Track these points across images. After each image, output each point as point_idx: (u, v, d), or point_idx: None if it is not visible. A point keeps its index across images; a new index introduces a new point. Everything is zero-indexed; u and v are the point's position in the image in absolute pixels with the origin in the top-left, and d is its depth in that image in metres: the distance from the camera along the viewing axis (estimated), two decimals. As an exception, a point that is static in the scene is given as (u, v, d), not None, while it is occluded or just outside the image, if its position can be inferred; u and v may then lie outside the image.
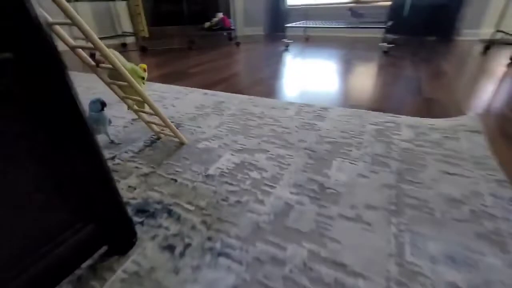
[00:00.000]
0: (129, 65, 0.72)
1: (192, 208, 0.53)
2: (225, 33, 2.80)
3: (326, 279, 0.39)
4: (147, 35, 2.51)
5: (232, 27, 2.57)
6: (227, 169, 0.65)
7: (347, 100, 1.09)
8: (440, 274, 0.39)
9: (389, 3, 2.58)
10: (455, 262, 0.41)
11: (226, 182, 0.60)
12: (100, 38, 0.55)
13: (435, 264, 0.41)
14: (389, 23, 2.12)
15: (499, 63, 1.65)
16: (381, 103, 1.05)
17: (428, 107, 0.99)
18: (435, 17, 2.45)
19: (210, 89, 1.28)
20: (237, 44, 2.51)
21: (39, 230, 0.34)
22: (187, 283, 0.39)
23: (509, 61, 1.62)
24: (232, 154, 0.71)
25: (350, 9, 2.60)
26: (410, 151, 0.70)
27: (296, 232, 0.47)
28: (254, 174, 0.63)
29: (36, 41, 0.28)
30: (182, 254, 0.44)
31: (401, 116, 0.91)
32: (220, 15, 2.62)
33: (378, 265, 0.41)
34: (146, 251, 0.44)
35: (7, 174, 0.29)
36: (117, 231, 0.43)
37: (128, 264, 0.43)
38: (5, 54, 0.26)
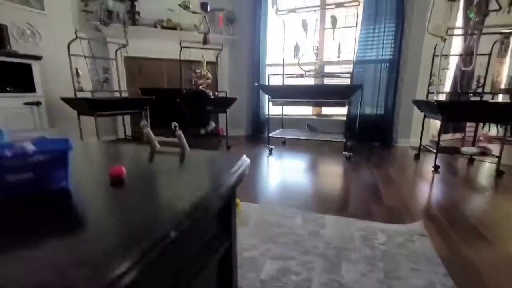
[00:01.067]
0: None
1: (262, 308, 0.79)
2: (216, 138, 3.33)
3: None
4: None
5: (224, 134, 3.11)
6: (273, 275, 0.93)
7: (332, 207, 1.49)
8: None
9: (344, 118, 3.43)
10: (429, 331, 0.72)
11: (277, 286, 0.88)
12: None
13: (419, 333, 0.71)
14: (347, 135, 2.83)
15: (426, 169, 2.30)
16: (357, 210, 1.46)
17: (389, 214, 1.43)
18: (378, 129, 3.30)
19: (226, 198, 1.60)
20: (228, 147, 3.00)
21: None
22: None
23: (432, 168, 2.27)
24: (271, 262, 1.00)
25: (307, 125, 3.34)
26: (388, 252, 1.06)
27: (337, 320, 0.75)
28: (294, 278, 0.91)
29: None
30: None
31: (374, 222, 1.31)
32: (213, 123, 3.18)
33: (389, 337, 0.70)
34: None
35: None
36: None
37: None
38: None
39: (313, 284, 0.88)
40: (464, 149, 2.20)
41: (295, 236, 1.18)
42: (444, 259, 1.03)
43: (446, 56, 2.56)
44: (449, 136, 3.60)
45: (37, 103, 2.21)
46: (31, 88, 2.19)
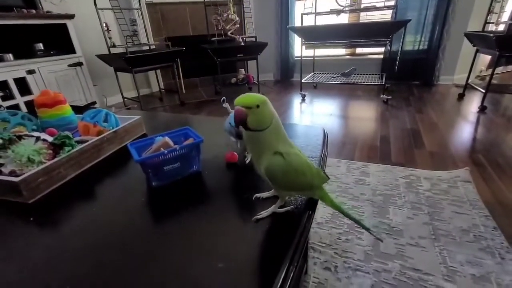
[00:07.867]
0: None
1: (324, 244, 0.95)
2: (246, 85, 3.31)
3: (413, 277, 0.82)
4: (183, 92, 2.96)
5: (255, 82, 3.08)
6: (327, 217, 1.08)
7: (374, 156, 1.56)
8: (466, 270, 0.83)
9: (380, 56, 3.20)
10: (471, 264, 0.84)
11: (332, 227, 1.03)
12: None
13: (463, 266, 0.84)
14: (384, 76, 2.69)
15: (471, 110, 2.21)
16: (400, 158, 1.52)
17: (433, 160, 1.47)
18: (418, 66, 3.06)
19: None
20: (260, 95, 3.00)
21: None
22: (348, 285, 0.81)
23: (477, 109, 2.17)
24: (324, 207, 1.14)
25: (342, 74, 3.08)
26: (432, 198, 1.15)
27: (388, 255, 0.89)
28: (346, 220, 1.06)
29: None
30: (336, 271, 0.85)
31: (417, 169, 1.37)
32: (243, 71, 3.14)
33: (436, 268, 0.84)
34: (316, 271, 0.85)
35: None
36: (306, 257, 0.84)
37: (312, 278, 0.83)
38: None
39: (364, 226, 1.02)
40: (519, 88, 2.03)
41: (342, 184, 1.29)
42: (487, 203, 1.11)
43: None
44: (499, 69, 3.28)
45: (79, 64, 2.30)
46: (70, 49, 2.25)
